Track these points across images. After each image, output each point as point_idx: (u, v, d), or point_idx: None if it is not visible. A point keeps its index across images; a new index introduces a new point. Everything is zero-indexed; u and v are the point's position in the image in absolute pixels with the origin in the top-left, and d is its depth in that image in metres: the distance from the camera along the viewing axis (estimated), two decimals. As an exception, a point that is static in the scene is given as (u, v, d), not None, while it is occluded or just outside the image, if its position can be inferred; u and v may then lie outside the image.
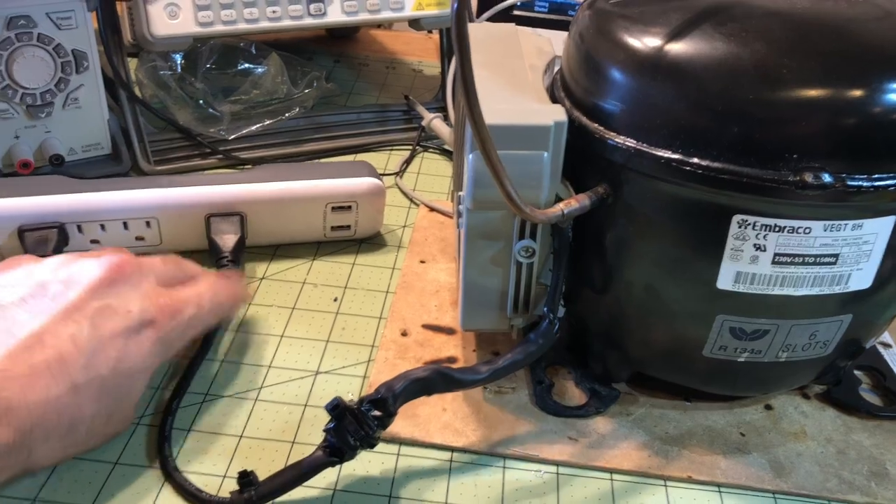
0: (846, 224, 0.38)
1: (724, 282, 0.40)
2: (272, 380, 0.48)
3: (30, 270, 0.41)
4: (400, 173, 0.69)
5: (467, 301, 0.46)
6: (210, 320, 0.46)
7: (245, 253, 0.56)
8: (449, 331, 0.52)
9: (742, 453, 0.45)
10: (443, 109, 0.74)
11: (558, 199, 0.42)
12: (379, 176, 0.58)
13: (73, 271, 0.41)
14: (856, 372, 0.51)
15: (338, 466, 0.41)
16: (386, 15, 0.68)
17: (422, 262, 0.59)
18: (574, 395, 0.48)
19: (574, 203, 0.41)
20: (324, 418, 0.40)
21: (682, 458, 0.45)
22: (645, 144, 0.39)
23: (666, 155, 0.39)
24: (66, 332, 0.38)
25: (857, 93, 0.37)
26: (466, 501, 0.42)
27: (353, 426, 0.39)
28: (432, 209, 0.64)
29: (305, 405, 0.47)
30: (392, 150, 0.72)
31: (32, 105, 0.59)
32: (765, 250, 0.39)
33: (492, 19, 0.71)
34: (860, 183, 0.37)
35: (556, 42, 0.51)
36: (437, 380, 0.41)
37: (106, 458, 0.42)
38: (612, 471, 0.44)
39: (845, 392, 0.49)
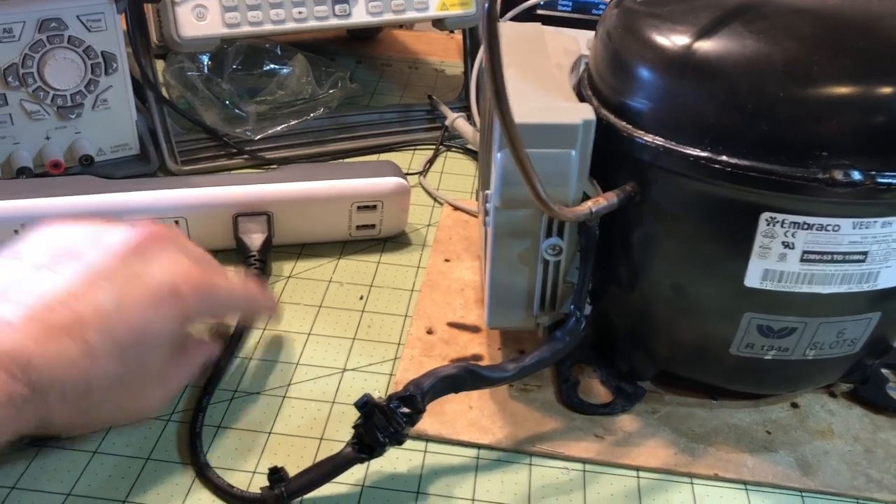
0: (876, 221, 0.38)
1: (752, 280, 0.40)
2: (300, 377, 0.49)
3: (62, 233, 0.42)
4: (424, 172, 0.69)
5: (494, 299, 0.46)
6: (237, 308, 0.46)
7: (272, 252, 0.57)
8: (474, 329, 0.53)
9: (768, 451, 0.45)
10: (466, 109, 0.74)
11: (585, 198, 0.42)
12: (404, 175, 0.58)
13: (105, 236, 0.41)
14: (883, 370, 0.50)
15: (366, 463, 0.42)
16: (410, 15, 0.68)
17: (446, 260, 0.59)
18: (600, 392, 0.48)
19: (602, 201, 0.41)
20: (351, 415, 0.41)
21: (708, 456, 0.45)
22: (673, 142, 0.39)
23: (695, 153, 0.39)
24: (90, 295, 0.38)
25: (888, 89, 0.37)
26: (494, 498, 0.42)
27: (382, 423, 0.39)
28: (456, 208, 0.65)
29: (333, 402, 0.47)
30: (416, 149, 0.72)
31: (63, 106, 0.60)
32: (793, 248, 0.39)
33: (515, 19, 0.71)
34: (890, 180, 0.37)
35: (581, 41, 0.51)
36: (464, 377, 0.42)
37: (138, 453, 0.43)
38: (638, 468, 0.44)
39: (873, 390, 0.49)
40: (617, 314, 0.48)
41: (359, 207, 0.57)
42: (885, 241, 0.39)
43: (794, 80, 0.37)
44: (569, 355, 0.47)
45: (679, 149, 0.39)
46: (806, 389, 0.49)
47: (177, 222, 0.55)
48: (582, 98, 0.44)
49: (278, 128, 0.69)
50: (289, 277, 0.56)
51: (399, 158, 0.70)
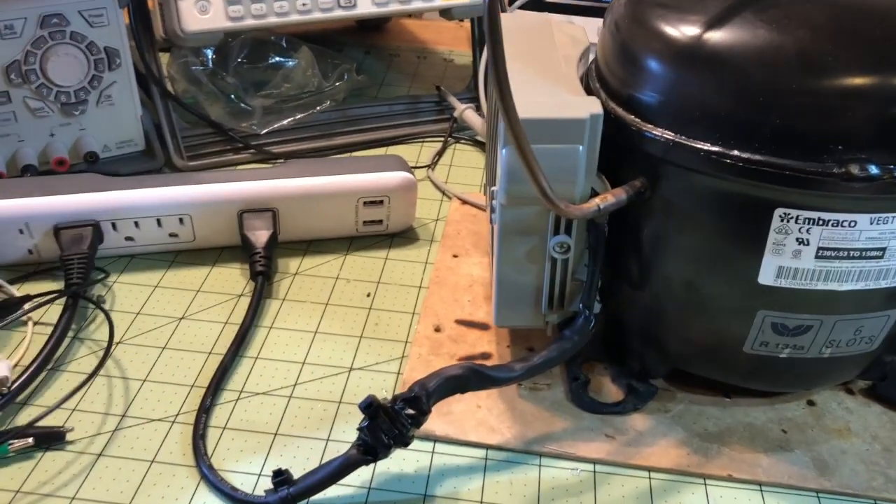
0: (894, 217, 0.37)
1: (766, 277, 0.39)
2: (306, 376, 0.48)
3: None
4: (432, 165, 0.68)
5: (501, 297, 0.45)
6: None
7: (278, 248, 0.56)
8: (483, 326, 0.52)
9: (784, 451, 0.44)
10: (474, 100, 0.73)
11: (594, 194, 0.41)
12: (410, 170, 0.58)
13: None
14: (902, 367, 0.49)
15: (372, 464, 0.41)
16: (417, 5, 0.67)
17: (455, 256, 0.58)
18: (611, 391, 0.48)
19: (610, 197, 0.40)
20: (358, 415, 0.40)
21: (721, 456, 0.44)
22: (683, 137, 0.38)
23: (705, 147, 0.38)
24: None
25: (905, 80, 0.36)
26: (502, 499, 0.41)
27: (387, 425, 0.38)
28: (465, 202, 0.64)
29: (340, 402, 0.46)
30: (424, 141, 0.71)
31: (67, 103, 0.60)
32: (808, 244, 0.38)
33: (524, 7, 0.70)
34: (909, 174, 0.36)
35: (590, 30, 0.50)
36: (471, 378, 0.41)
37: (143, 456, 0.43)
38: (650, 469, 0.43)
39: (892, 387, 0.47)
40: (628, 312, 0.47)
41: (365, 203, 0.57)
42: (904, 237, 0.38)
43: (808, 71, 0.36)
44: (579, 353, 0.46)
45: (690, 143, 0.38)
46: (822, 387, 0.48)
47: (182, 220, 0.55)
48: (589, 90, 0.43)
49: (284, 121, 0.69)
50: (295, 274, 0.56)
51: (407, 151, 0.69)
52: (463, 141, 0.72)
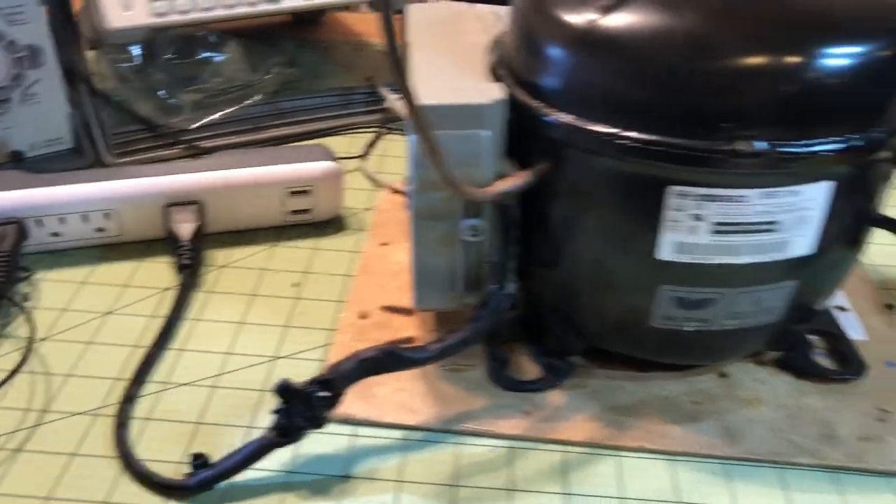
0: (783, 191, 0.39)
1: (665, 253, 0.40)
2: (231, 366, 0.49)
3: None
4: (364, 156, 0.69)
5: (419, 281, 0.46)
6: None
7: (205, 241, 0.57)
8: (408, 312, 0.53)
9: (695, 421, 0.46)
10: (406, 91, 0.74)
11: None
12: (335, 158, 0.58)
13: None
14: (810, 336, 0.51)
15: (292, 447, 0.42)
16: (341, -3, 0.68)
17: (384, 244, 0.59)
18: (530, 370, 0.49)
19: (513, 181, 0.41)
20: (278, 402, 0.41)
21: (634, 429, 0.45)
22: (583, 120, 0.39)
23: (603, 130, 0.39)
24: None
25: (789, 59, 0.37)
26: (420, 478, 0.42)
27: (301, 407, 0.39)
28: (395, 191, 0.64)
29: (263, 390, 0.47)
30: (356, 133, 0.72)
31: (-11, 102, 0.59)
32: (703, 220, 0.39)
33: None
34: (794, 149, 0.37)
35: (505, 17, 0.51)
36: (385, 359, 0.42)
37: (65, 449, 0.43)
38: (564, 443, 0.45)
39: (799, 357, 0.49)
40: (543, 291, 0.48)
41: (292, 192, 0.57)
42: (794, 211, 0.39)
43: (694, 52, 0.37)
44: (499, 333, 0.47)
45: (588, 126, 0.39)
46: (732, 359, 0.49)
47: (107, 215, 0.55)
48: (498, 77, 0.44)
49: (214, 116, 0.69)
50: (222, 267, 0.56)
51: (339, 143, 0.70)
52: (396, 132, 0.73)
